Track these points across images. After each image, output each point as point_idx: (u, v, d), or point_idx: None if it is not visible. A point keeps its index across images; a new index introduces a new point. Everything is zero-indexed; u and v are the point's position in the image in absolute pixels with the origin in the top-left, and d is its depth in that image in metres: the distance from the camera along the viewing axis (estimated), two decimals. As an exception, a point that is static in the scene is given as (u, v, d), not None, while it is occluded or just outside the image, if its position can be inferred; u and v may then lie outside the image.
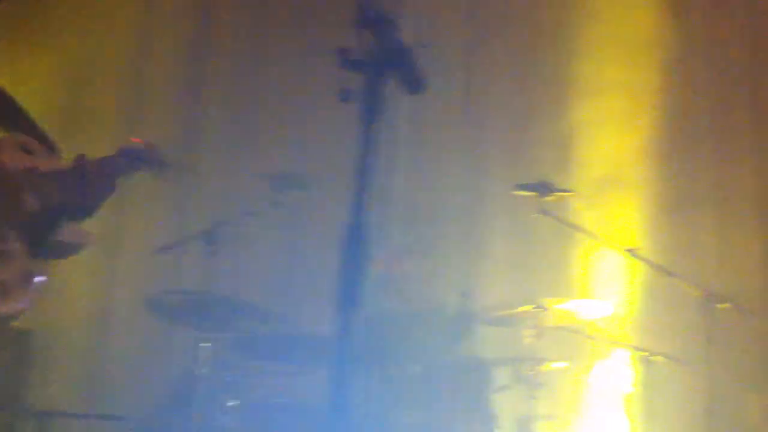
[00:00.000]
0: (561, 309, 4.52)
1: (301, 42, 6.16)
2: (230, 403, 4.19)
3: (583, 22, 5.91)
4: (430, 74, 6.22)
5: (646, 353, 4.67)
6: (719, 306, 4.26)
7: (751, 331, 5.35)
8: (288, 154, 6.08)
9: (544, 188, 4.40)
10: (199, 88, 6.36)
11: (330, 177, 5.69)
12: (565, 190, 4.51)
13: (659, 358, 4.66)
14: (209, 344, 4.14)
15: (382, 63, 1.94)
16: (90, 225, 6.03)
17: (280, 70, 6.28)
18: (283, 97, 6.27)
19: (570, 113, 5.91)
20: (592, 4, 5.94)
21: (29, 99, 2.97)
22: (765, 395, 5.55)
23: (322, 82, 5.90)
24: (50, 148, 2.84)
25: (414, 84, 2.00)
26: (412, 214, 5.99)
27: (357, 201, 1.88)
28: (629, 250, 4.38)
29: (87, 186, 2.74)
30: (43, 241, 2.66)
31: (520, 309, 4.48)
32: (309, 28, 6.12)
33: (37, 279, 2.60)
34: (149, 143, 3.09)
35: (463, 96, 6.11)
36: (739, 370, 5.34)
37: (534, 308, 4.43)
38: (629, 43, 5.87)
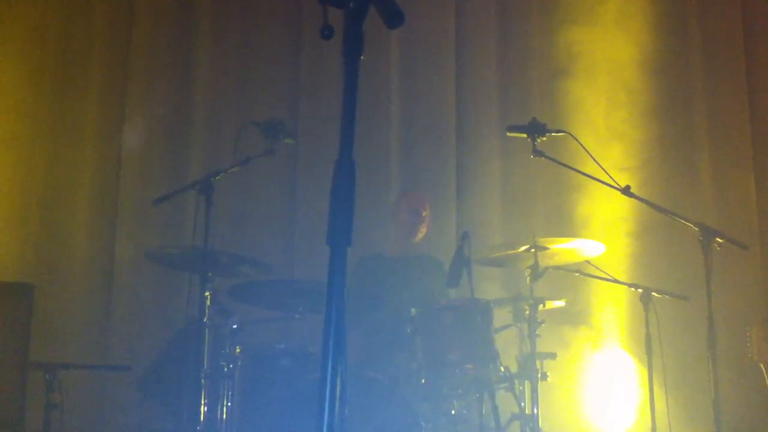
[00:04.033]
0: (559, 248, 4.53)
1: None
2: (237, 350, 4.23)
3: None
4: (422, 14, 6.06)
5: (644, 290, 4.69)
6: (716, 241, 4.25)
7: (746, 263, 5.38)
8: (276, 99, 6.06)
9: (536, 129, 4.37)
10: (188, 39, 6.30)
11: (321, 118, 5.68)
12: (557, 131, 4.48)
13: (657, 294, 4.69)
14: (211, 293, 4.17)
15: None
16: (88, 179, 6.05)
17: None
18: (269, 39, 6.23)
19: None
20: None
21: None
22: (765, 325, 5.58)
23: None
24: None
25: (392, 18, 1.96)
26: (403, 155, 5.98)
27: (345, 139, 1.86)
28: (624, 189, 4.36)
29: None
30: None
31: (520, 249, 4.49)
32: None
33: None
34: None
35: (454, 37, 6.06)
36: (738, 302, 5.38)
37: (532, 248, 4.43)
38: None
